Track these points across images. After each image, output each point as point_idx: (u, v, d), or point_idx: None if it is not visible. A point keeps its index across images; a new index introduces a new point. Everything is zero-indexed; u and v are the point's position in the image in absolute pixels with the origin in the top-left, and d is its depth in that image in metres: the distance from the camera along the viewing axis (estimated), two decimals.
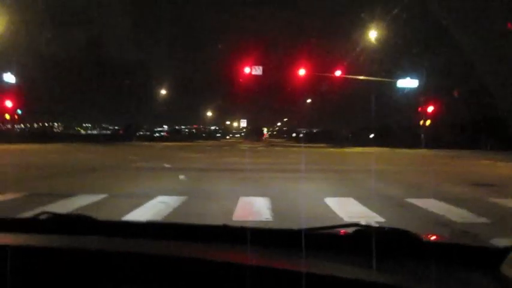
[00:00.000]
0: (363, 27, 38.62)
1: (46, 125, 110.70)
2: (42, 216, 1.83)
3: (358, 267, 1.36)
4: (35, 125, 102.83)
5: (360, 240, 1.45)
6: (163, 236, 1.69)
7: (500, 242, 1.59)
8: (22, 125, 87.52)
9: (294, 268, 1.30)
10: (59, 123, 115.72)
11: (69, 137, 70.81)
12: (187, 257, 1.43)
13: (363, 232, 1.54)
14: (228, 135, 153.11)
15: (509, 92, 34.64)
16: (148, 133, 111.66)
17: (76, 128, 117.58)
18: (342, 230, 1.68)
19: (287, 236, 1.61)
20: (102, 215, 7.29)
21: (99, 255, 1.48)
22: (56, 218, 1.85)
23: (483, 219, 7.38)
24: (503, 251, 1.33)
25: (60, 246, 1.55)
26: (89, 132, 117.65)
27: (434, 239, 1.92)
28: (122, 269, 1.42)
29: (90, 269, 1.44)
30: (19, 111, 46.19)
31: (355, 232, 1.57)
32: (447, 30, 35.53)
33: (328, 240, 1.62)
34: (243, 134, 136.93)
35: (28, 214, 6.62)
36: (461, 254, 1.45)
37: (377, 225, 6.76)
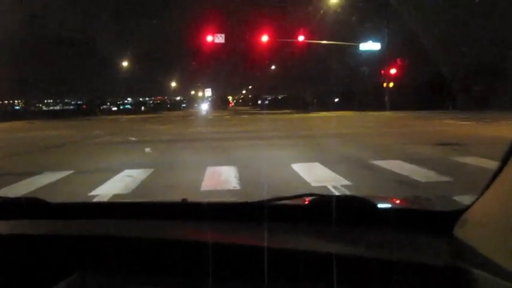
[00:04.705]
0: None
1: (6, 102, 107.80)
2: None
3: (312, 238, 1.38)
4: None
5: (316, 210, 1.47)
6: (118, 216, 1.64)
7: (463, 199, 1.63)
8: None
9: (250, 243, 1.31)
10: (19, 101, 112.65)
11: (30, 114, 69.05)
12: (144, 236, 1.41)
13: (320, 202, 1.55)
14: (195, 105, 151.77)
15: (460, 53, 35.27)
16: (112, 106, 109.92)
17: (37, 105, 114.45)
18: (301, 200, 1.68)
19: (244, 209, 1.61)
20: (69, 192, 7.26)
21: (50, 239, 1.43)
22: (5, 203, 1.75)
23: (447, 178, 7.56)
24: (455, 214, 1.36)
25: (9, 232, 1.50)
26: (51, 108, 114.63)
27: (389, 205, 1.95)
28: (76, 252, 1.39)
29: (42, 254, 1.40)
30: None
31: (312, 202, 1.58)
32: None
33: (286, 211, 1.62)
34: (208, 103, 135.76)
35: None
36: (415, 219, 1.49)
37: (344, 188, 6.88)
